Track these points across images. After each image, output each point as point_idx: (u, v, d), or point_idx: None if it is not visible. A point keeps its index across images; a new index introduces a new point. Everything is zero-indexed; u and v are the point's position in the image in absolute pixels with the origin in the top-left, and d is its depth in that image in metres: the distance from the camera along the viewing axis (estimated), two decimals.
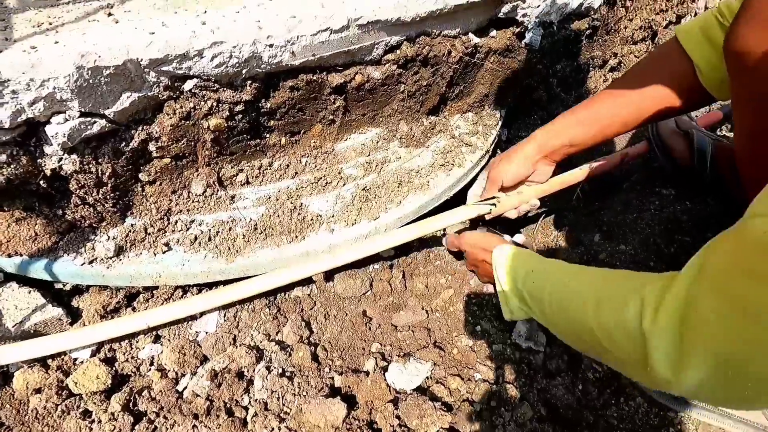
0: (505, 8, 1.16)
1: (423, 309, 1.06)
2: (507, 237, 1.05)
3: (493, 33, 1.22)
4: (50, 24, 0.76)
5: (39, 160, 0.79)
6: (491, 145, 1.34)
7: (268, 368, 0.89)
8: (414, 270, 1.17)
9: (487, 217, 1.13)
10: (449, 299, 1.09)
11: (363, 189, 1.10)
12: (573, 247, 1.25)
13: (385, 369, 0.90)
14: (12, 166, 0.76)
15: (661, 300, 0.51)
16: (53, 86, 0.71)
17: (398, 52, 1.06)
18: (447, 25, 1.09)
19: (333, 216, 1.05)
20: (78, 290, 1.01)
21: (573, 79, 1.58)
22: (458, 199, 1.24)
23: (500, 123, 1.40)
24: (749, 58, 0.58)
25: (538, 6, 1.19)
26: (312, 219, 1.04)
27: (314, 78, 0.98)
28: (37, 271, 0.90)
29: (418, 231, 1.03)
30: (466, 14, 1.10)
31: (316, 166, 1.10)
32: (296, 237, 1.00)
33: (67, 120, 0.76)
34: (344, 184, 1.10)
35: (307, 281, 1.05)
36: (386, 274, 1.13)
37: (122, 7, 0.83)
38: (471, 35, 1.17)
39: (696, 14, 2.02)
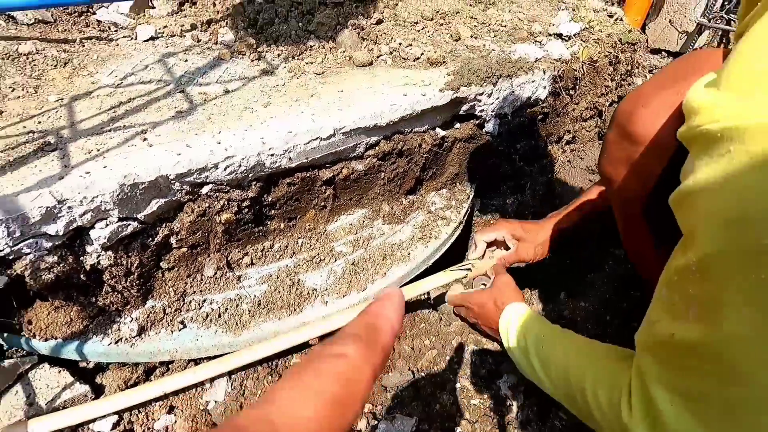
0: (465, 107, 1.40)
1: (409, 369, 1.19)
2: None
3: (457, 125, 1.46)
4: (98, 150, 0.96)
5: (81, 258, 0.96)
6: (464, 216, 1.53)
7: None
8: (401, 333, 1.30)
9: (464, 281, 1.30)
10: (433, 359, 1.22)
11: (352, 264, 1.27)
12: (544, 304, 1.40)
13: (375, 428, 1.01)
14: (60, 265, 0.92)
15: (629, 396, 0.64)
16: (100, 200, 0.90)
17: (377, 148, 1.28)
18: (417, 124, 1.32)
19: (326, 289, 1.21)
20: (100, 367, 1.13)
21: (533, 154, 1.81)
22: (437, 266, 1.40)
23: (471, 196, 1.60)
24: (611, 182, 0.83)
25: (492, 103, 1.44)
26: (308, 293, 1.19)
27: (308, 175, 1.18)
28: (69, 352, 1.04)
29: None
30: (432, 115, 1.34)
31: (310, 246, 1.28)
32: (294, 310, 1.15)
33: (107, 225, 0.94)
34: (335, 260, 1.27)
35: (305, 346, 1.18)
36: None
37: (154, 132, 1.04)
38: (438, 129, 1.40)
39: None
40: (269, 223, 1.22)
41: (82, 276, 0.98)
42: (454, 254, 1.50)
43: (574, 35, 1.70)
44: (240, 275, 1.19)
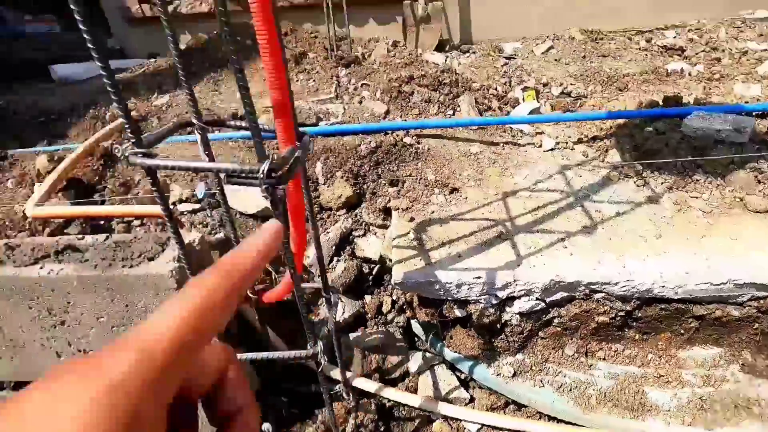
0: None
1: None
2: None
3: None
4: (534, 247, 1.41)
5: (501, 314, 1.42)
6: None
7: None
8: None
9: None
10: None
11: (699, 398, 1.34)
12: None
13: None
14: (491, 316, 1.40)
15: None
16: (533, 286, 1.32)
17: (763, 301, 1.31)
18: None
19: (669, 411, 1.33)
20: (477, 385, 1.60)
21: None
22: None
23: None
24: None
25: None
26: (651, 406, 1.35)
27: (682, 307, 1.34)
28: (464, 366, 1.53)
29: None
30: None
31: (658, 364, 1.42)
32: (637, 417, 1.33)
33: (528, 301, 1.37)
34: (682, 387, 1.38)
35: None
36: None
37: (570, 241, 1.42)
38: None
39: None
40: (628, 331, 1.43)
41: (497, 325, 1.44)
42: None
43: None
44: (591, 364, 1.45)
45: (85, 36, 0.62)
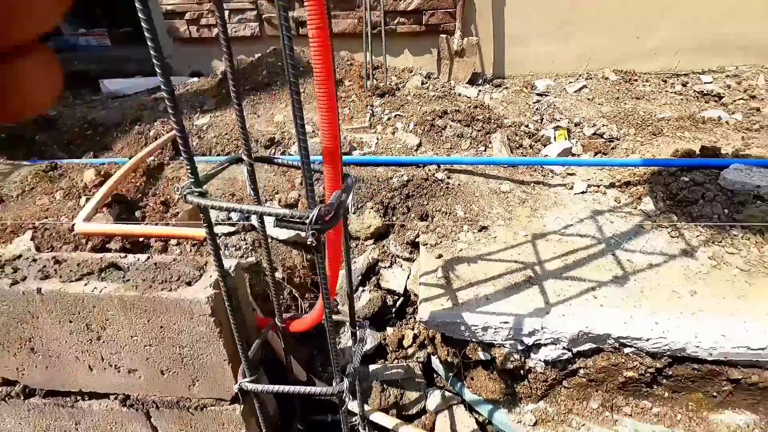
0: None
1: None
2: None
3: None
4: (564, 295, 1.39)
5: (526, 360, 1.40)
6: None
7: None
8: None
9: None
10: None
11: None
12: None
13: None
14: (515, 362, 1.38)
15: None
16: (561, 335, 1.31)
17: None
18: None
19: None
20: (488, 428, 1.58)
21: None
22: None
23: None
24: None
25: None
26: None
27: (716, 369, 1.30)
28: (482, 409, 1.51)
29: None
30: None
31: (688, 426, 1.37)
32: None
33: (554, 350, 1.35)
34: None
35: None
36: None
37: (600, 291, 1.40)
38: None
39: None
40: (657, 388, 1.39)
41: (520, 371, 1.42)
42: None
43: None
44: (617, 419, 1.41)
45: (152, 52, 0.65)
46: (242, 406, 1.30)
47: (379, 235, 1.85)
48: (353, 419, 1.53)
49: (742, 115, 2.52)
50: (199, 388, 1.27)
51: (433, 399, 1.60)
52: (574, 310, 1.34)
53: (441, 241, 1.69)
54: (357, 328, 1.28)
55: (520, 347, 1.37)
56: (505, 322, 1.33)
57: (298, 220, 0.80)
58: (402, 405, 1.63)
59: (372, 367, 1.64)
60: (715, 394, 1.36)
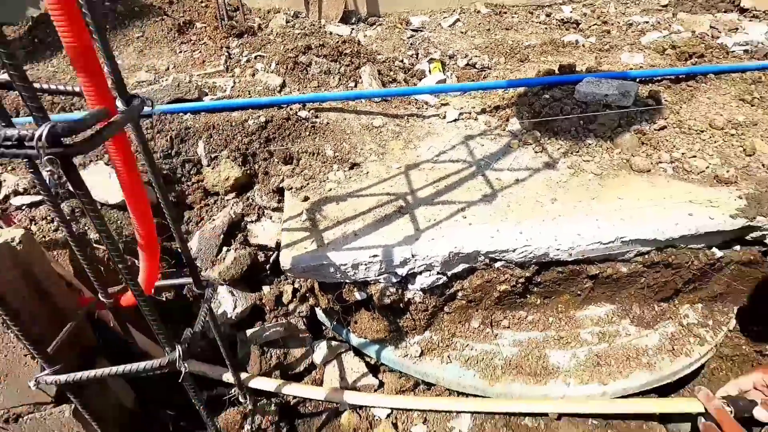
0: (755, 234, 1.35)
1: None
2: None
3: (737, 248, 1.41)
4: (434, 220, 1.34)
5: (404, 293, 1.34)
6: (720, 339, 1.46)
7: None
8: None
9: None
10: None
11: (595, 355, 1.38)
12: None
13: None
14: (393, 295, 1.32)
15: None
16: (433, 260, 1.25)
17: (646, 256, 1.36)
18: (694, 242, 1.35)
19: (569, 371, 1.35)
20: (385, 369, 1.52)
21: None
22: (681, 383, 1.39)
23: (732, 320, 1.51)
24: None
25: None
26: (552, 368, 1.35)
27: (577, 268, 1.35)
28: (370, 351, 1.44)
29: (643, 408, 1.24)
30: (714, 236, 1.35)
31: (559, 326, 1.44)
32: (539, 381, 1.33)
33: (429, 276, 1.30)
34: (580, 346, 1.40)
35: (540, 414, 1.35)
36: (601, 431, 1.34)
37: (469, 211, 1.37)
38: (714, 249, 1.39)
39: None
40: (530, 297, 1.43)
41: (400, 304, 1.36)
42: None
43: None
44: (497, 334, 1.43)
45: None
46: (72, 406, 1.06)
47: (242, 187, 1.63)
48: (232, 391, 1.37)
49: (595, 38, 2.67)
50: (2, 396, 1.00)
51: (320, 352, 1.50)
52: (443, 232, 1.29)
53: (308, 184, 1.53)
54: (206, 288, 1.09)
55: (395, 280, 1.30)
56: (375, 256, 1.24)
57: (20, 143, 0.57)
58: (287, 365, 1.50)
59: (249, 331, 1.48)
60: (579, 292, 1.43)
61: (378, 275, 1.28)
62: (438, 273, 1.30)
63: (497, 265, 1.32)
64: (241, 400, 1.33)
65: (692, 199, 1.37)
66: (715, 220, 1.29)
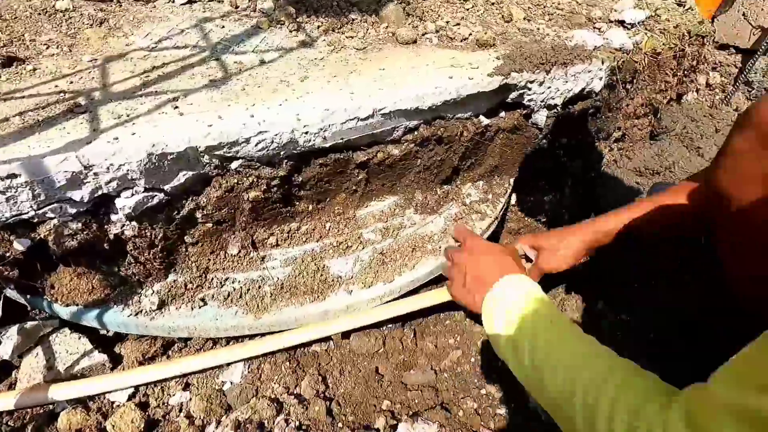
0: (513, 95, 1.29)
1: (432, 369, 1.13)
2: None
3: (502, 114, 1.35)
4: (128, 115, 0.92)
5: (106, 227, 0.93)
6: (500, 212, 1.44)
7: (286, 421, 0.97)
8: (425, 329, 1.25)
9: None
10: (457, 360, 1.16)
11: (380, 253, 1.21)
12: (578, 312, 1.31)
13: (394, 428, 0.96)
14: (84, 233, 0.89)
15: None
16: (127, 169, 0.86)
17: (416, 133, 1.19)
18: (460, 109, 1.23)
19: (352, 278, 1.15)
20: (119, 337, 1.12)
21: (578, 150, 1.69)
22: None
23: (509, 191, 1.51)
24: (729, 201, 0.65)
25: (543, 92, 1.33)
26: (332, 280, 1.14)
27: (341, 156, 1.11)
28: (89, 319, 1.02)
29: (429, 301, 1.13)
30: (477, 101, 1.24)
31: (338, 231, 1.22)
32: (318, 297, 1.10)
33: (133, 195, 0.90)
34: (363, 248, 1.21)
35: (327, 339, 1.14)
36: (398, 332, 1.21)
37: (186, 100, 0.99)
38: (482, 117, 1.31)
39: (697, 91, 2.15)
40: (298, 204, 1.16)
41: (105, 245, 0.95)
42: None
43: (638, 23, 1.55)
44: (264, 256, 1.14)
45: None
46: None
47: None
48: None
49: None
50: None
51: (8, 343, 1.01)
52: (138, 129, 0.89)
53: None
54: None
55: (73, 210, 0.87)
56: (14, 177, 0.78)
57: None
58: None
59: None
60: (354, 188, 1.22)
61: (39, 208, 0.83)
62: (146, 189, 0.91)
63: (234, 165, 0.99)
64: None
65: (453, 64, 1.23)
66: (474, 80, 1.17)
